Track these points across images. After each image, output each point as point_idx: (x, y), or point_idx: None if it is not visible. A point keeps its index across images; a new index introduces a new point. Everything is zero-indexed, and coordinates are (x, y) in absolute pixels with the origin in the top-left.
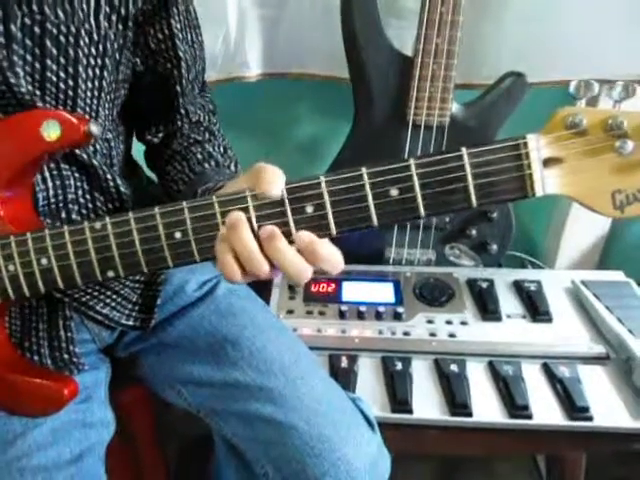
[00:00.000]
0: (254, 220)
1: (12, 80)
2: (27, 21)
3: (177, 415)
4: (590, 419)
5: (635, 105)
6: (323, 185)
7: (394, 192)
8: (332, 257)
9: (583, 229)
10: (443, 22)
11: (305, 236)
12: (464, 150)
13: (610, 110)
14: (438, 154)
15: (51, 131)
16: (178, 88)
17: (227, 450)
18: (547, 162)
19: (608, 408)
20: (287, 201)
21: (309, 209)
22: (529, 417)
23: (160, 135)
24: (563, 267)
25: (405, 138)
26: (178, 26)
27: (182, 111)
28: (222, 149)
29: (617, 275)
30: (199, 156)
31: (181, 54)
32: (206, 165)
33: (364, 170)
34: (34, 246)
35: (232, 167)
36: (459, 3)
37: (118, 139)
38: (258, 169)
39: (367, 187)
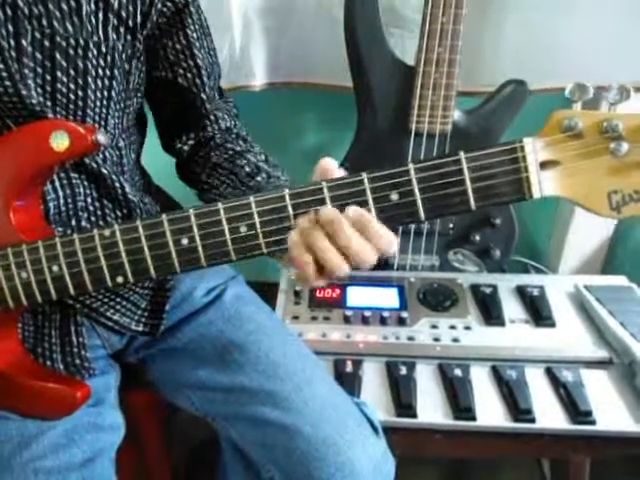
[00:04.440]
0: (258, 226)
1: (24, 92)
2: (37, 35)
3: (185, 419)
4: (593, 423)
5: (630, 108)
6: (325, 190)
7: (394, 196)
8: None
9: (586, 234)
10: (444, 32)
11: (356, 210)
12: (462, 154)
13: (605, 113)
14: (436, 158)
15: (60, 141)
16: (203, 96)
17: (233, 453)
18: (544, 165)
19: (611, 412)
20: (290, 207)
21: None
22: (532, 421)
23: (190, 142)
24: (567, 272)
25: (408, 146)
26: (194, 35)
27: (211, 117)
28: (264, 157)
29: (620, 280)
30: (247, 169)
31: (200, 62)
32: (258, 178)
33: (365, 175)
34: (46, 254)
35: (281, 176)
36: (460, 13)
37: (129, 147)
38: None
39: (368, 192)
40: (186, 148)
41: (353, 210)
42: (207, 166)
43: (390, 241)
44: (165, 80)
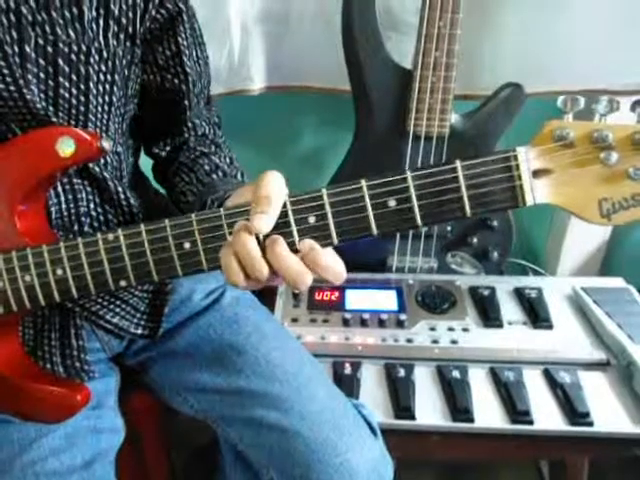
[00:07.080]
0: None
1: (28, 97)
2: (40, 42)
3: (184, 421)
4: (591, 424)
5: (619, 118)
6: (325, 197)
7: (392, 203)
8: (333, 265)
9: (584, 236)
10: (441, 36)
11: (307, 243)
12: (458, 163)
13: (596, 123)
14: (433, 167)
15: (66, 147)
16: (186, 102)
17: (233, 456)
18: (537, 173)
19: (608, 413)
20: (290, 212)
21: (311, 219)
22: (530, 422)
23: (167, 149)
24: (564, 274)
25: (406, 149)
26: (185, 43)
27: (189, 124)
28: (228, 160)
29: (617, 282)
30: (206, 167)
31: (188, 70)
32: (214, 176)
33: (363, 182)
34: (50, 257)
35: (239, 176)
36: (457, 17)
37: (127, 152)
38: (259, 176)
39: (367, 198)
40: (163, 154)
41: (303, 243)
42: (174, 165)
43: (338, 272)
44: (152, 84)
